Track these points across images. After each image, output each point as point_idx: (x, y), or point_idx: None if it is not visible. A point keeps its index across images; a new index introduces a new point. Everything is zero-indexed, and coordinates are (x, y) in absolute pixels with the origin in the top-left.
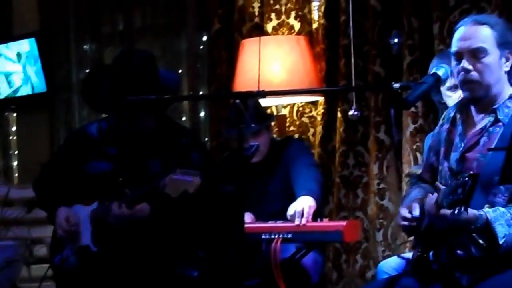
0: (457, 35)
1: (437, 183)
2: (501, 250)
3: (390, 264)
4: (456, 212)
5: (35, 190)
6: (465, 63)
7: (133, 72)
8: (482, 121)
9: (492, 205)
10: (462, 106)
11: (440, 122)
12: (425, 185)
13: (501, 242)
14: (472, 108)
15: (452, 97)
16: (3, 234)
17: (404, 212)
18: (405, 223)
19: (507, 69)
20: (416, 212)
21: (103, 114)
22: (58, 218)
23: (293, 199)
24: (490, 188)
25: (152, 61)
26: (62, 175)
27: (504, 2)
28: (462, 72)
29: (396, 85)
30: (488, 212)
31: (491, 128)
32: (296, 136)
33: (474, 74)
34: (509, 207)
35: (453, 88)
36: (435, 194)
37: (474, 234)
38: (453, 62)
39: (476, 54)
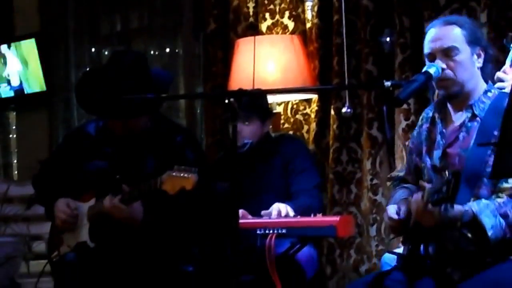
0: (428, 37)
1: (421, 181)
2: (491, 241)
3: (394, 256)
4: (442, 209)
5: (34, 186)
6: (438, 63)
7: (125, 73)
8: (460, 117)
9: (478, 197)
10: (439, 105)
11: (419, 123)
12: (409, 185)
13: (489, 233)
14: (449, 105)
15: None
16: (2, 230)
17: (392, 213)
18: (392, 223)
19: (480, 65)
20: (403, 213)
21: (97, 116)
22: (59, 203)
23: (287, 196)
24: (474, 182)
25: (142, 60)
26: (61, 172)
27: (493, 2)
28: None
29: (388, 83)
30: (472, 205)
31: (469, 124)
32: (291, 132)
33: (448, 72)
34: (491, 199)
35: None
36: (420, 193)
37: (462, 230)
38: (427, 64)
39: (448, 53)
